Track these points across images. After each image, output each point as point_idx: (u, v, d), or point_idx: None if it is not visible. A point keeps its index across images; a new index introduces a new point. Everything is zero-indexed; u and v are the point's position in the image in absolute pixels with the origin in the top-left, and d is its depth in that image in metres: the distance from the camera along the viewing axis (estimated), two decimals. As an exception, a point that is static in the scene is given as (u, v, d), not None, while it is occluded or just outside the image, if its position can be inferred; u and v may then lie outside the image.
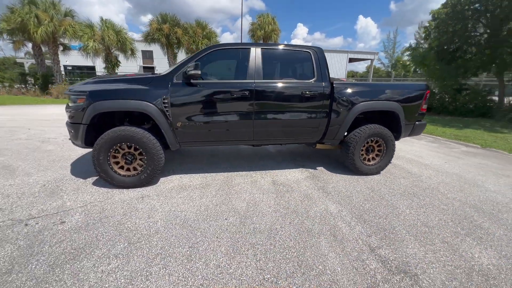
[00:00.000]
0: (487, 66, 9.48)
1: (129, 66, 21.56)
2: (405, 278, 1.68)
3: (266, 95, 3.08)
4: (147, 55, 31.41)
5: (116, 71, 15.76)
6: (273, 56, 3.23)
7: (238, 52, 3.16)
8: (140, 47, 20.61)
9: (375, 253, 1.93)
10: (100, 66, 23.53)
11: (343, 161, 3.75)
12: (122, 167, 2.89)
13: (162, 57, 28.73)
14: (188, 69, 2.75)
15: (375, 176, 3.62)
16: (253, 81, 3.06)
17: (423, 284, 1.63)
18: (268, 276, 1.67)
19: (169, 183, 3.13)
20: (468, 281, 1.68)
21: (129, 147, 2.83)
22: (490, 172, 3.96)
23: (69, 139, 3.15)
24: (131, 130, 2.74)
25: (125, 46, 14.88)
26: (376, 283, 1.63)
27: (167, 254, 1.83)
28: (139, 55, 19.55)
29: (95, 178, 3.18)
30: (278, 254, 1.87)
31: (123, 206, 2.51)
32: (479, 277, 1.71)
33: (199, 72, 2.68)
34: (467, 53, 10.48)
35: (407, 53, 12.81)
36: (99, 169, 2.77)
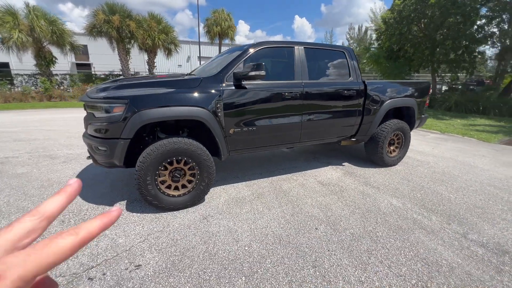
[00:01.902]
0: (427, 64, 11.29)
1: (60, 63, 18.27)
2: (513, 257, 1.88)
3: (313, 95, 3.01)
4: (81, 51, 27.09)
5: (52, 68, 13.10)
6: (314, 55, 3.16)
7: (284, 51, 2.98)
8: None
9: (469, 239, 2.10)
10: (15, 63, 19.24)
11: (368, 155, 3.95)
12: (169, 186, 2.43)
13: (100, 53, 25.25)
14: (245, 69, 2.46)
15: (396, 166, 3.93)
16: (301, 81, 2.94)
17: (529, 260, 1.85)
18: (414, 281, 1.64)
19: (217, 197, 2.78)
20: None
21: (178, 162, 2.39)
22: (470, 154, 4.75)
23: (90, 158, 2.49)
24: (185, 142, 2.31)
25: (62, 39, 12.42)
26: (498, 267, 1.78)
27: (300, 280, 1.63)
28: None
29: (123, 202, 2.60)
30: (398, 257, 1.87)
31: (195, 233, 2.11)
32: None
33: (263, 72, 2.42)
34: (407, 52, 12.28)
35: (367, 54, 14.19)
36: (147, 193, 2.27)
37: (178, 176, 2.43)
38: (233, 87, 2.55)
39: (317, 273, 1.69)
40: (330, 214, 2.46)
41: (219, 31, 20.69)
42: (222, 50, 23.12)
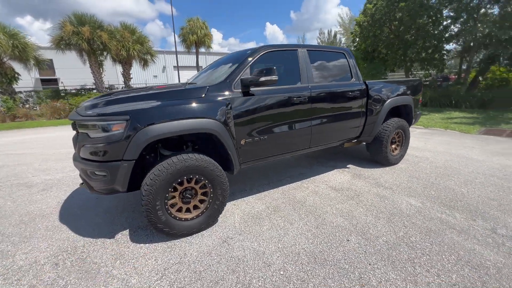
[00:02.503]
0: (401, 63, 11.90)
1: (23, 80, 16.85)
2: (549, 250, 1.86)
3: (320, 99, 2.91)
4: (47, 65, 25.31)
5: (15, 85, 11.93)
6: (317, 57, 3.07)
7: (288, 54, 2.85)
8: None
9: (500, 234, 2.07)
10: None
11: (372, 155, 3.92)
12: (179, 209, 2.15)
13: (68, 67, 23.75)
14: (254, 75, 2.28)
15: (399, 165, 3.94)
16: (308, 84, 2.83)
17: None
18: (458, 285, 1.54)
19: (230, 215, 2.54)
20: None
21: (189, 181, 2.13)
22: (460, 146, 4.93)
23: (83, 184, 2.15)
24: (196, 158, 2.07)
25: (25, 54, 11.39)
26: (541, 262, 1.74)
27: (354, 305, 1.45)
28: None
29: (124, 231, 2.27)
30: (442, 263, 1.76)
31: (218, 260, 1.86)
32: None
33: (275, 77, 2.26)
34: (381, 53, 12.89)
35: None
36: (157, 220, 1.98)
37: (190, 196, 2.16)
38: (242, 95, 2.36)
39: (368, 294, 1.53)
40: (355, 222, 2.32)
41: (195, 39, 20.40)
42: (200, 59, 22.83)
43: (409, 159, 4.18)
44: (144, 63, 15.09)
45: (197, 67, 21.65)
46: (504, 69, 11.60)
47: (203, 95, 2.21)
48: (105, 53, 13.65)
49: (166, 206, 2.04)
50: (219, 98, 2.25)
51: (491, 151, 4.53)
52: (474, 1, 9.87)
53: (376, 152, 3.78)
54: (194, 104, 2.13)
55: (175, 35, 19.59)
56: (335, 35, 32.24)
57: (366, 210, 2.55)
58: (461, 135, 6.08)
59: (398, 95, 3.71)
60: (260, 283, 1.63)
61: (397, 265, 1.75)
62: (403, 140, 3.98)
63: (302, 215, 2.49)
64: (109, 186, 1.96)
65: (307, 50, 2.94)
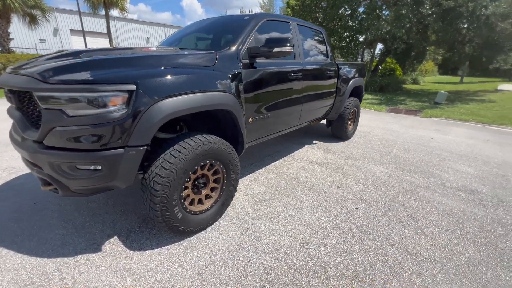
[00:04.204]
0: (336, 50, 13.28)
1: None
2: None
3: (310, 76, 2.93)
4: None
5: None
6: (304, 33, 3.00)
7: (284, 26, 2.65)
8: None
9: (448, 187, 2.71)
10: None
11: (333, 131, 4.32)
12: (191, 202, 1.81)
13: None
14: (265, 45, 2.03)
15: (353, 138, 4.52)
16: (300, 60, 2.77)
17: None
18: (458, 231, 1.97)
19: (236, 201, 2.32)
20: None
21: (202, 167, 1.80)
22: (383, 121, 6.09)
23: (46, 186, 1.47)
24: (214, 140, 1.74)
25: None
26: (481, 199, 2.40)
27: (397, 261, 1.63)
28: None
29: (112, 240, 1.75)
30: (430, 215, 2.18)
31: (255, 251, 1.70)
32: None
33: (289, 48, 2.07)
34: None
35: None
36: (173, 219, 1.60)
37: (203, 185, 1.84)
38: (250, 67, 2.10)
39: (400, 250, 1.74)
40: (352, 191, 2.56)
41: (104, -2, 16.54)
42: (110, 23, 18.76)
43: (357, 134, 4.86)
44: (31, 20, 11.19)
45: (109, 34, 17.86)
46: (390, 60, 14.72)
47: (215, 64, 1.83)
48: None
49: (182, 200, 1.67)
50: (231, 69, 1.92)
51: (405, 125, 5.79)
52: (378, 2, 11.88)
53: (338, 128, 4.19)
54: (211, 75, 1.75)
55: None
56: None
57: (353, 180, 2.84)
58: (377, 113, 7.46)
59: (356, 76, 4.15)
60: (310, 264, 1.60)
61: (404, 222, 2.06)
62: (355, 117, 4.56)
63: (304, 191, 2.55)
64: (104, 184, 1.42)
65: (297, 24, 2.85)
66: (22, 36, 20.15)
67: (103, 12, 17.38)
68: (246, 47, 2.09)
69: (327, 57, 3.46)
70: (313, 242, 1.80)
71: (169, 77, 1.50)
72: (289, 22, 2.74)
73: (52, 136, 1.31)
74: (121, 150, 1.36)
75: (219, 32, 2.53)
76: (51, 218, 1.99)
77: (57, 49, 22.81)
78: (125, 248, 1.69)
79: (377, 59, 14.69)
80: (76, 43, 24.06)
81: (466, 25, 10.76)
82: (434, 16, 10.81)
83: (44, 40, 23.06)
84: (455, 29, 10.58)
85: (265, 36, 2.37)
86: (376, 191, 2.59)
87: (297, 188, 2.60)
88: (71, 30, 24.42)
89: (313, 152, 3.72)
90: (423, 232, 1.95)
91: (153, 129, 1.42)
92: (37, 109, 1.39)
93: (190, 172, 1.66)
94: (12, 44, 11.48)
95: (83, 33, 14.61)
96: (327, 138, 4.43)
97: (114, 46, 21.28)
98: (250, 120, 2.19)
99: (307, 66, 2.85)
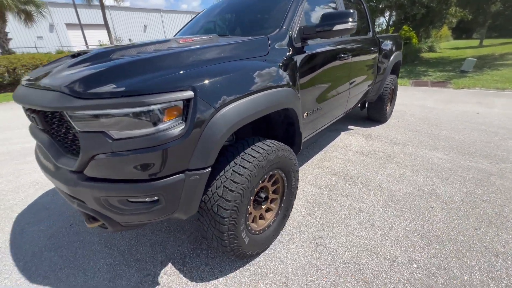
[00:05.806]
0: None
1: None
2: None
3: (357, 54, 2.52)
4: None
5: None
6: (347, 4, 2.54)
7: None
8: None
9: (526, 173, 2.36)
10: None
11: (371, 114, 3.93)
12: (253, 219, 1.55)
13: None
14: (328, 24, 1.63)
15: (391, 120, 4.12)
16: (347, 37, 2.36)
17: None
18: None
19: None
20: None
21: (262, 179, 1.50)
22: (414, 97, 5.60)
23: (92, 222, 1.22)
24: (277, 147, 1.43)
25: None
26: None
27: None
28: None
29: (167, 269, 1.53)
30: (522, 210, 1.87)
31: (335, 273, 1.44)
32: None
33: (354, 24, 1.67)
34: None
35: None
36: (241, 245, 1.34)
37: (263, 199, 1.56)
38: (303, 52, 1.72)
39: (509, 262, 1.45)
40: (418, 186, 2.25)
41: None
42: (107, 14, 17.99)
43: (393, 114, 4.45)
44: (27, 17, 10.71)
45: (106, 25, 17.16)
46: (407, 28, 13.65)
47: (267, 52, 1.48)
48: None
49: (247, 222, 1.40)
50: (286, 56, 1.56)
51: (439, 99, 5.31)
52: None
53: (376, 110, 3.80)
54: (267, 66, 1.40)
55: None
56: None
57: (412, 171, 2.52)
58: (403, 88, 6.92)
59: (396, 50, 3.68)
60: (408, 286, 1.34)
61: (497, 223, 1.76)
62: (392, 97, 4.13)
63: (363, 189, 2.25)
64: (162, 215, 1.15)
65: (339, -6, 2.39)
66: (19, 35, 19.69)
67: (96, 3, 16.58)
68: (297, 27, 1.71)
69: (370, 30, 3.00)
70: (400, 257, 1.53)
71: (227, 75, 1.17)
72: (332, -8, 2.29)
73: (95, 165, 1.03)
74: (181, 176, 1.07)
75: (256, 10, 2.12)
76: (92, 244, 1.78)
77: (56, 45, 22.30)
78: (185, 279, 1.46)
79: (392, 27, 13.63)
80: (74, 38, 23.40)
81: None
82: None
83: (41, 37, 22.53)
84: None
85: (312, 11, 1.97)
86: (445, 183, 2.27)
87: (352, 186, 2.31)
88: (67, 24, 23.70)
89: (353, 140, 3.38)
90: (525, 235, 1.65)
91: (218, 146, 1.11)
92: (72, 131, 1.10)
93: (255, 188, 1.38)
94: (11, 44, 11.10)
95: (81, 26, 14.02)
96: (361, 122, 4.05)
97: (113, 37, 20.56)
98: (305, 115, 1.86)
99: (353, 44, 2.43)
